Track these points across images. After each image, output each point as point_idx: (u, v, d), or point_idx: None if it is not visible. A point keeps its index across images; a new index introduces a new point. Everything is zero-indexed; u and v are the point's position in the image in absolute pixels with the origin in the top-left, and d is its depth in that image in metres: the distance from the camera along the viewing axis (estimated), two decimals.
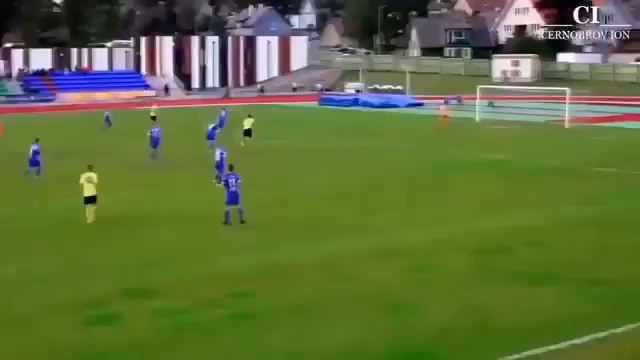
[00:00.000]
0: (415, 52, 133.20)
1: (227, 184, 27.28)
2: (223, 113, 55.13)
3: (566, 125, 60.68)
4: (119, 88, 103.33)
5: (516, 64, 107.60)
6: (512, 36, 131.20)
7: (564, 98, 63.83)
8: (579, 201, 31.59)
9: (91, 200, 27.81)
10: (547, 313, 18.22)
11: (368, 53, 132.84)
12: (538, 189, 34.29)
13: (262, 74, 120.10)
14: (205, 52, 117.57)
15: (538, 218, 28.30)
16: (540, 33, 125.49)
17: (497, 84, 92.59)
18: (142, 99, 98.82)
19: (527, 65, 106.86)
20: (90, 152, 43.94)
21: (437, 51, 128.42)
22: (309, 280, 20.92)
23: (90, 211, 27.76)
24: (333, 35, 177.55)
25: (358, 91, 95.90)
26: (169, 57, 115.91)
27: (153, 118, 59.59)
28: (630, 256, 23.13)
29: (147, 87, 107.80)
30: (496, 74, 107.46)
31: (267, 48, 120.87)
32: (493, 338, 16.76)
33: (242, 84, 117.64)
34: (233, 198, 27.11)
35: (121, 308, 18.78)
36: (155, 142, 43.07)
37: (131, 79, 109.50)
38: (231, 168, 28.47)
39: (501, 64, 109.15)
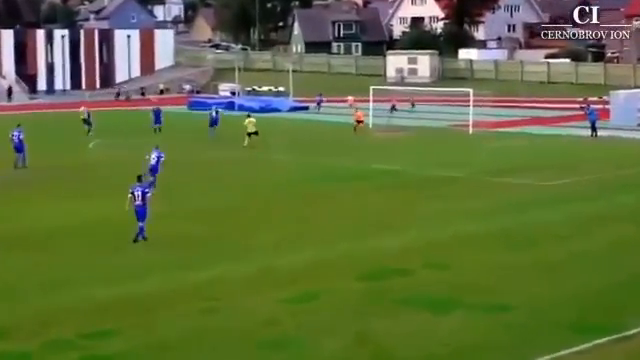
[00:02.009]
0: (299, 48, 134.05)
1: (133, 197, 27.79)
2: (214, 114, 60.13)
3: (470, 131, 62.13)
4: None
5: (413, 61, 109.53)
6: (408, 29, 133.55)
7: (467, 100, 65.34)
8: (480, 216, 32.44)
9: None
10: (451, 343, 18.57)
11: (245, 49, 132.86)
12: (435, 203, 35.05)
13: (121, 74, 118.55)
14: (53, 48, 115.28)
15: (436, 236, 28.93)
16: (439, 26, 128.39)
17: (392, 84, 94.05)
18: None
19: (425, 62, 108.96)
20: None
21: (324, 46, 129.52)
22: (179, 313, 20.76)
23: None
24: (204, 28, 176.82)
25: (234, 93, 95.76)
26: (9, 54, 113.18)
27: (85, 121, 62.58)
28: (536, 276, 23.90)
29: None
30: (391, 73, 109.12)
31: (127, 43, 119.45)
32: None
33: (98, 86, 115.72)
34: (137, 213, 27.67)
35: None
36: (19, 147, 44.84)
37: None
38: (139, 179, 28.78)
39: (396, 61, 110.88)
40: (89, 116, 63.27)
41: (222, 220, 32.05)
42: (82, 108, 66.31)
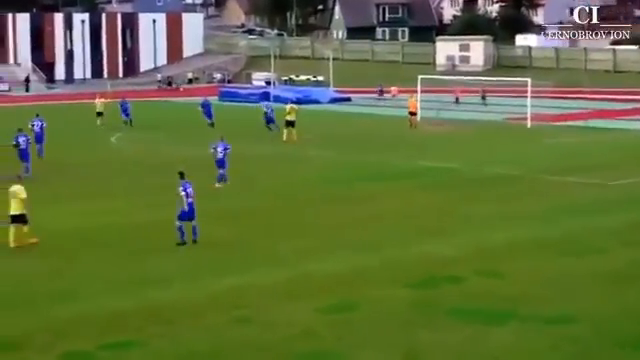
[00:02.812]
0: (340, 33, 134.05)
1: (187, 194, 28.02)
2: (269, 111, 59.32)
3: (528, 124, 61.83)
4: None
5: (465, 48, 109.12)
6: (459, 13, 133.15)
7: (525, 91, 65.04)
8: (538, 219, 32.28)
9: (17, 219, 28.06)
10: (503, 358, 18.49)
11: (281, 35, 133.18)
12: (489, 204, 34.91)
13: (146, 61, 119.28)
14: (72, 34, 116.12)
15: (490, 240, 28.81)
16: (494, 10, 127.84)
17: (442, 73, 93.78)
18: None
19: (479, 49, 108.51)
20: None
21: (367, 32, 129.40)
22: (208, 323, 20.79)
23: (14, 233, 28.02)
24: (236, 12, 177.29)
25: (269, 83, 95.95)
26: (25, 40, 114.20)
27: (99, 114, 64.22)
28: (599, 287, 23.68)
29: None
30: (441, 60, 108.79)
31: (152, 28, 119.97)
32: None
33: (121, 75, 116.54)
34: (191, 211, 27.98)
35: None
36: (40, 137, 45.26)
37: None
38: (182, 176, 28.80)
39: (447, 48, 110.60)
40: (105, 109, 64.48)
41: (253, 222, 32.09)
42: (99, 99, 66.49)
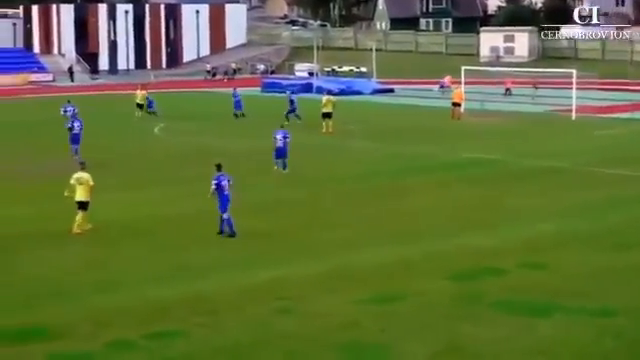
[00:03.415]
0: (383, 24, 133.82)
1: (220, 187, 28.06)
2: (292, 96, 60.51)
3: (573, 116, 61.43)
4: (4, 71, 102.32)
5: (510, 39, 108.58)
6: (504, 4, 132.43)
7: (570, 82, 64.59)
8: (583, 211, 32.06)
9: (82, 206, 28.64)
10: (549, 351, 18.40)
11: (324, 26, 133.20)
12: (533, 197, 34.71)
13: (189, 52, 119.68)
14: (116, 24, 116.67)
15: (533, 233, 28.64)
16: (538, 0, 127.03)
17: (486, 64, 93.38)
18: (36, 85, 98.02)
19: (523, 40, 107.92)
20: None
21: (410, 23, 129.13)
22: (249, 314, 20.85)
23: (78, 219, 28.54)
24: (279, 3, 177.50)
25: (311, 74, 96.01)
26: (69, 31, 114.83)
27: (139, 106, 64.44)
28: None
29: (41, 69, 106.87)
30: (485, 52, 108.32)
31: (195, 19, 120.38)
32: None
33: (164, 65, 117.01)
34: (225, 204, 27.99)
35: (7, 354, 18.55)
36: (76, 138, 44.74)
37: (20, 59, 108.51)
38: (219, 168, 28.83)
39: (491, 39, 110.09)
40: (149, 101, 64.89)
41: (292, 214, 32.10)
42: (140, 91, 66.58)
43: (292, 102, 59.48)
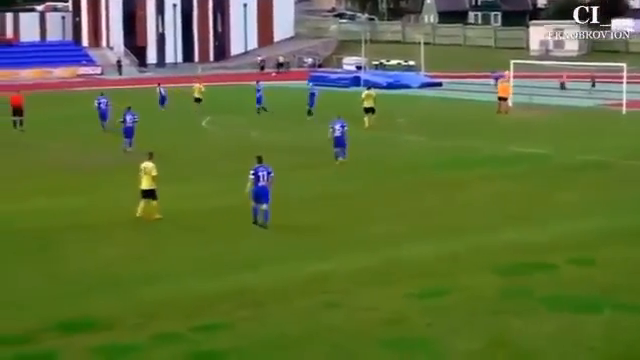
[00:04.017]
0: (431, 18, 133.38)
1: (257, 178, 28.23)
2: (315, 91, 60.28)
3: (624, 110, 60.89)
4: (53, 63, 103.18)
5: (560, 33, 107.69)
6: None
7: (621, 76, 64.01)
8: (633, 207, 31.78)
9: (147, 194, 29.75)
10: (598, 347, 18.28)
11: (372, 19, 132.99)
12: (581, 191, 34.51)
13: (237, 45, 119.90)
14: (164, 18, 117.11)
15: (582, 228, 28.42)
16: None
17: (536, 58, 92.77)
18: (85, 77, 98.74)
19: (573, 34, 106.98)
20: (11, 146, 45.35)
21: (459, 16, 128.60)
22: (296, 307, 20.92)
23: (143, 206, 29.70)
24: None
25: (359, 67, 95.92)
26: (117, 24, 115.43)
27: (198, 100, 63.95)
28: None
29: (90, 62, 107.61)
30: (534, 45, 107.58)
31: (243, 12, 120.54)
32: None
33: (212, 59, 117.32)
34: (260, 195, 28.17)
35: (55, 345, 18.72)
36: (129, 131, 45.41)
37: (68, 52, 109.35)
38: (260, 160, 29.04)
39: (541, 33, 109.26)
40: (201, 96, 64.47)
41: (339, 208, 32.14)
42: (198, 84, 66.51)
43: (312, 95, 59.15)
